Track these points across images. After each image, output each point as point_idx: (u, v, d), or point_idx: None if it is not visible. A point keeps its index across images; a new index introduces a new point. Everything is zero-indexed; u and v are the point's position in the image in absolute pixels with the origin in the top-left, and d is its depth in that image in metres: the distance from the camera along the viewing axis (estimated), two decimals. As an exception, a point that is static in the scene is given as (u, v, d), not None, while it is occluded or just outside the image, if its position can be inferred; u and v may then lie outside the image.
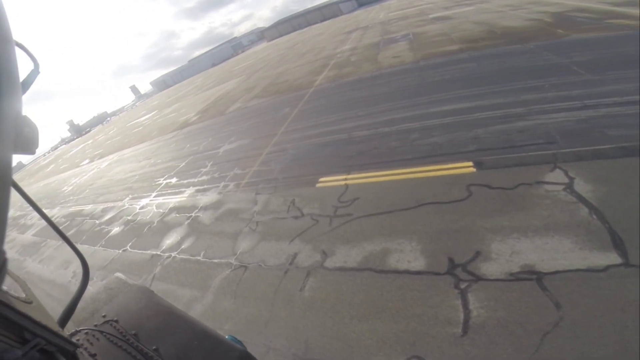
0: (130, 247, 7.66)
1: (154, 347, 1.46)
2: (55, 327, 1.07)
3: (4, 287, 0.85)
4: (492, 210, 4.44)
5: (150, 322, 1.61)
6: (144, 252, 7.14)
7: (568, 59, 9.23)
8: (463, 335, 3.08)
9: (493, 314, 3.15)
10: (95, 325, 1.62)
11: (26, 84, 0.78)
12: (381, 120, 8.63)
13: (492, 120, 6.96)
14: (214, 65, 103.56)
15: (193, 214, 7.80)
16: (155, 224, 8.21)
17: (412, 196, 5.34)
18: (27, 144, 0.58)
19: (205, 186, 9.14)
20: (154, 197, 10.20)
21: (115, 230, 9.09)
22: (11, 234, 14.93)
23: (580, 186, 4.39)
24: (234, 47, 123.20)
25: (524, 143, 5.79)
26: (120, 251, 7.64)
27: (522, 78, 8.59)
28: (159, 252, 6.83)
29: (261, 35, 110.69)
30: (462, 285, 3.54)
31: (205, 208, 7.86)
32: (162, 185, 10.90)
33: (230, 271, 5.38)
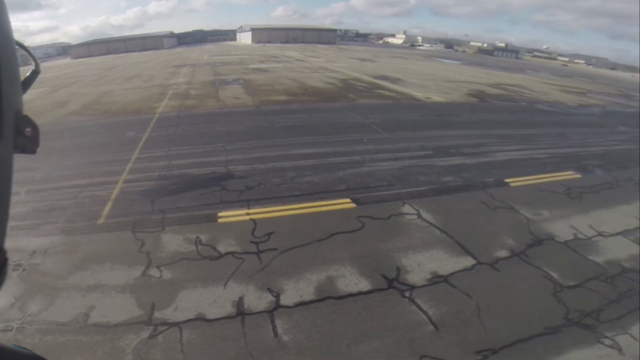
0: None
1: None
2: None
3: None
4: (384, 235, 6.05)
5: None
6: None
7: (367, 119, 13.44)
8: None
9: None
10: None
11: (26, 84, 0.79)
12: (253, 156, 9.63)
13: (345, 164, 9.07)
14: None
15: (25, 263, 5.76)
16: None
17: (321, 228, 6.15)
18: (28, 144, 0.57)
19: (27, 222, 6.57)
20: None
21: None
22: None
23: (425, 215, 6.77)
24: (21, 56, 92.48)
25: (375, 184, 8.02)
26: None
27: (346, 131, 11.90)
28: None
29: (62, 50, 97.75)
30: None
31: (44, 254, 5.69)
32: None
33: None
